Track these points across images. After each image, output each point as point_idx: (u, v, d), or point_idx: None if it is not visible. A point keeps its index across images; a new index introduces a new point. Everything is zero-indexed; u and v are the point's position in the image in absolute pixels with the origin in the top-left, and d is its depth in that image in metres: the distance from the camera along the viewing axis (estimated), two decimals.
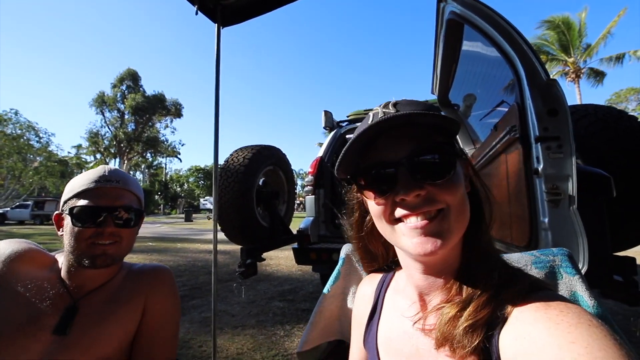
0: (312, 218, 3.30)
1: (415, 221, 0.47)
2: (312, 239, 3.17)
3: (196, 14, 1.60)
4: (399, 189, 0.48)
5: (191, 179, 59.04)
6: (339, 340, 0.99)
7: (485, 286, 0.47)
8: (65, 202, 0.84)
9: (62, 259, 0.88)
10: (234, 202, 2.45)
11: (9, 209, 22.11)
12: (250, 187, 2.58)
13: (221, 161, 2.67)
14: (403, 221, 0.49)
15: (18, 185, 24.53)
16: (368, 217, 0.63)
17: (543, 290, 0.46)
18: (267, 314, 3.51)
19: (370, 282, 0.71)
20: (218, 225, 2.34)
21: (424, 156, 0.48)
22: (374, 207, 0.53)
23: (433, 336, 0.48)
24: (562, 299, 0.44)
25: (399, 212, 0.48)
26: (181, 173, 58.09)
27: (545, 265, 0.72)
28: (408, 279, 0.58)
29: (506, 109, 1.56)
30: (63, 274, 0.85)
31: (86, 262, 0.79)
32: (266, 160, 2.81)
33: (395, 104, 0.52)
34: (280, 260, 6.84)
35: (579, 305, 0.42)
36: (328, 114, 3.89)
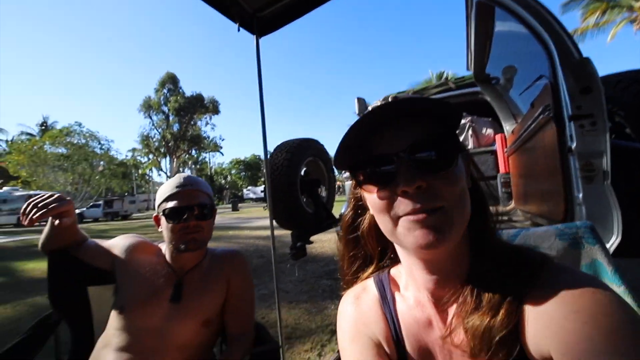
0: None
1: (415, 215, 0.46)
2: None
3: (238, 30, 1.78)
4: (399, 181, 0.46)
5: (233, 171, 61.83)
6: None
7: (506, 287, 0.46)
8: (159, 206, 1.09)
9: (164, 247, 1.15)
10: (282, 192, 2.68)
11: (84, 209, 25.27)
12: (295, 178, 2.80)
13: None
14: (403, 215, 0.47)
15: (89, 188, 27.74)
16: (366, 215, 0.61)
17: (551, 265, 0.46)
18: (317, 291, 3.78)
19: (362, 298, 0.63)
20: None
21: (425, 148, 0.47)
22: (374, 201, 0.51)
23: (463, 348, 0.47)
24: (570, 271, 0.44)
25: (400, 205, 0.47)
26: (224, 166, 61.03)
27: (569, 238, 0.77)
28: (414, 283, 0.56)
29: (543, 84, 1.55)
30: (168, 258, 1.11)
31: (182, 247, 1.03)
32: (306, 152, 3.00)
33: (395, 97, 0.55)
34: (324, 243, 7.12)
35: (591, 274, 0.46)
36: (361, 101, 3.94)
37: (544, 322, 0.40)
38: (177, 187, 1.06)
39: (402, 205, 0.47)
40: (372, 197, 0.51)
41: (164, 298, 1.03)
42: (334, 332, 2.62)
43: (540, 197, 1.59)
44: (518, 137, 2.08)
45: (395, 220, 0.48)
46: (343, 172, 3.70)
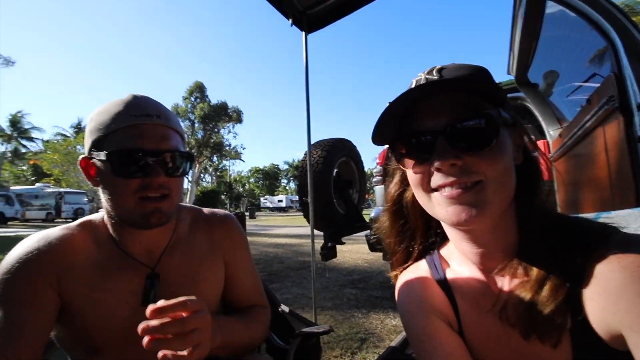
0: (382, 207, 3.42)
1: (450, 190, 0.46)
2: None
3: (291, 25, 1.86)
4: (435, 158, 0.47)
5: (252, 180, 62.83)
6: None
7: (554, 262, 0.44)
8: (94, 142, 0.64)
9: (105, 221, 0.71)
10: (315, 191, 2.71)
11: None
12: (328, 178, 2.82)
13: (300, 154, 2.97)
14: (438, 190, 0.48)
15: None
16: (410, 188, 0.60)
17: (620, 237, 0.43)
18: (342, 299, 3.70)
19: (417, 276, 0.62)
20: (302, 212, 2.61)
21: (464, 125, 0.46)
22: (412, 175, 0.52)
23: (514, 323, 0.46)
24: (635, 240, 0.42)
25: (435, 181, 0.47)
26: (243, 174, 62.20)
27: None
28: (464, 258, 0.56)
29: (597, 84, 1.50)
30: (120, 243, 0.70)
31: (139, 222, 0.64)
32: (339, 153, 3.02)
33: (440, 70, 0.51)
34: (345, 253, 7.04)
35: None
36: None
37: (613, 297, 0.37)
38: (134, 115, 0.63)
39: (436, 178, 0.47)
40: (410, 172, 0.52)
41: (138, 310, 0.61)
42: (363, 341, 2.54)
43: (599, 198, 1.52)
44: (567, 140, 2.02)
45: (430, 193, 0.49)
46: (373, 175, 3.71)
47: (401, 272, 0.66)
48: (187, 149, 0.71)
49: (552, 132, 2.54)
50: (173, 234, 0.77)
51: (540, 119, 2.71)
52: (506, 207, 0.48)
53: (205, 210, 0.89)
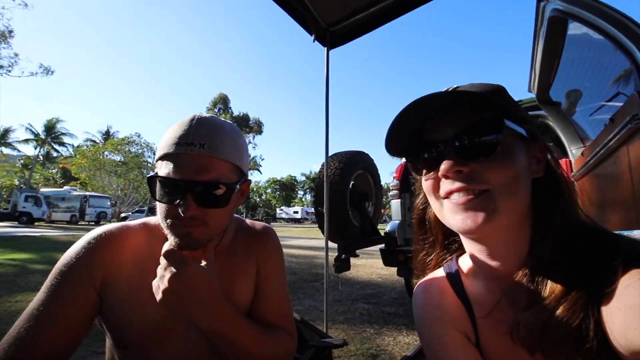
0: (398, 221, 3.40)
1: (458, 197, 0.48)
2: (398, 241, 3.26)
3: (313, 41, 1.94)
4: (442, 165, 0.49)
5: (269, 190, 63.38)
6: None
7: (572, 276, 0.44)
8: (157, 160, 0.68)
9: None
10: (331, 203, 2.73)
11: (130, 213, 27.22)
12: (344, 190, 2.84)
13: (317, 167, 3.02)
14: (446, 197, 0.50)
15: (136, 194, 29.90)
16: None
17: (637, 251, 0.42)
18: (354, 313, 3.65)
19: (434, 286, 0.63)
20: (317, 223, 2.63)
21: (470, 133, 0.48)
22: (425, 184, 0.54)
23: (532, 344, 0.45)
24: None
25: (444, 187, 0.50)
26: (260, 184, 62.91)
27: None
28: (479, 269, 0.57)
29: (621, 103, 1.48)
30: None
31: (172, 242, 0.65)
32: (357, 165, 3.05)
33: (455, 89, 0.54)
34: (359, 267, 6.95)
35: None
36: None
37: (635, 312, 0.36)
38: (178, 143, 0.63)
39: (445, 186, 0.50)
40: (423, 181, 0.55)
41: (169, 313, 0.69)
42: (374, 357, 2.50)
43: (622, 217, 1.47)
44: (589, 158, 1.97)
45: (440, 201, 0.51)
46: (390, 190, 3.70)
47: (420, 280, 0.67)
48: (238, 178, 0.70)
49: (574, 151, 2.49)
50: (218, 244, 0.79)
51: (562, 137, 2.66)
52: (519, 217, 0.48)
53: (247, 221, 0.91)
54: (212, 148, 0.65)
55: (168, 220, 0.64)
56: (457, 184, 0.48)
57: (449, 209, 0.49)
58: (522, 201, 0.48)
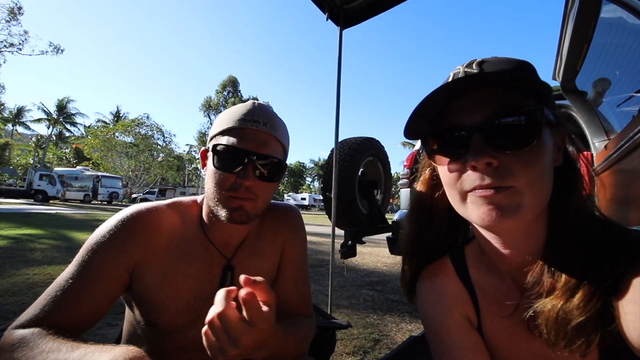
0: (406, 210, 3.36)
1: (483, 190, 0.43)
2: None
3: (327, 20, 1.86)
4: (469, 155, 0.44)
5: None
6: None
7: (587, 268, 0.42)
8: (211, 138, 0.73)
9: (200, 202, 0.79)
10: (339, 190, 2.69)
11: (141, 194, 27.83)
12: (353, 176, 2.79)
13: (326, 154, 2.97)
14: (471, 190, 0.45)
15: (147, 176, 30.41)
16: (438, 186, 0.58)
17: None
18: (358, 299, 3.68)
19: (441, 274, 0.61)
20: (324, 209, 2.61)
21: (503, 122, 0.43)
22: (445, 173, 0.50)
23: (547, 334, 0.44)
24: None
25: (468, 180, 0.45)
26: None
27: None
28: (490, 258, 0.54)
29: None
30: (208, 229, 0.76)
31: (223, 214, 0.68)
32: (367, 152, 2.99)
33: (481, 63, 0.48)
34: (365, 255, 6.98)
35: None
36: None
37: None
38: (244, 119, 0.69)
39: (470, 179, 0.45)
40: (442, 169, 0.50)
41: (209, 299, 0.60)
42: (377, 341, 2.52)
43: None
44: (613, 152, 1.88)
45: (463, 194, 0.47)
46: (400, 179, 3.64)
47: (424, 268, 0.64)
48: (283, 160, 0.75)
49: (597, 144, 2.38)
50: (250, 231, 0.81)
51: (585, 129, 2.54)
52: (540, 210, 0.46)
53: (272, 202, 0.88)
54: (273, 128, 0.71)
55: (223, 192, 0.67)
56: (487, 179, 0.43)
57: (472, 201, 0.46)
58: (547, 196, 0.45)
